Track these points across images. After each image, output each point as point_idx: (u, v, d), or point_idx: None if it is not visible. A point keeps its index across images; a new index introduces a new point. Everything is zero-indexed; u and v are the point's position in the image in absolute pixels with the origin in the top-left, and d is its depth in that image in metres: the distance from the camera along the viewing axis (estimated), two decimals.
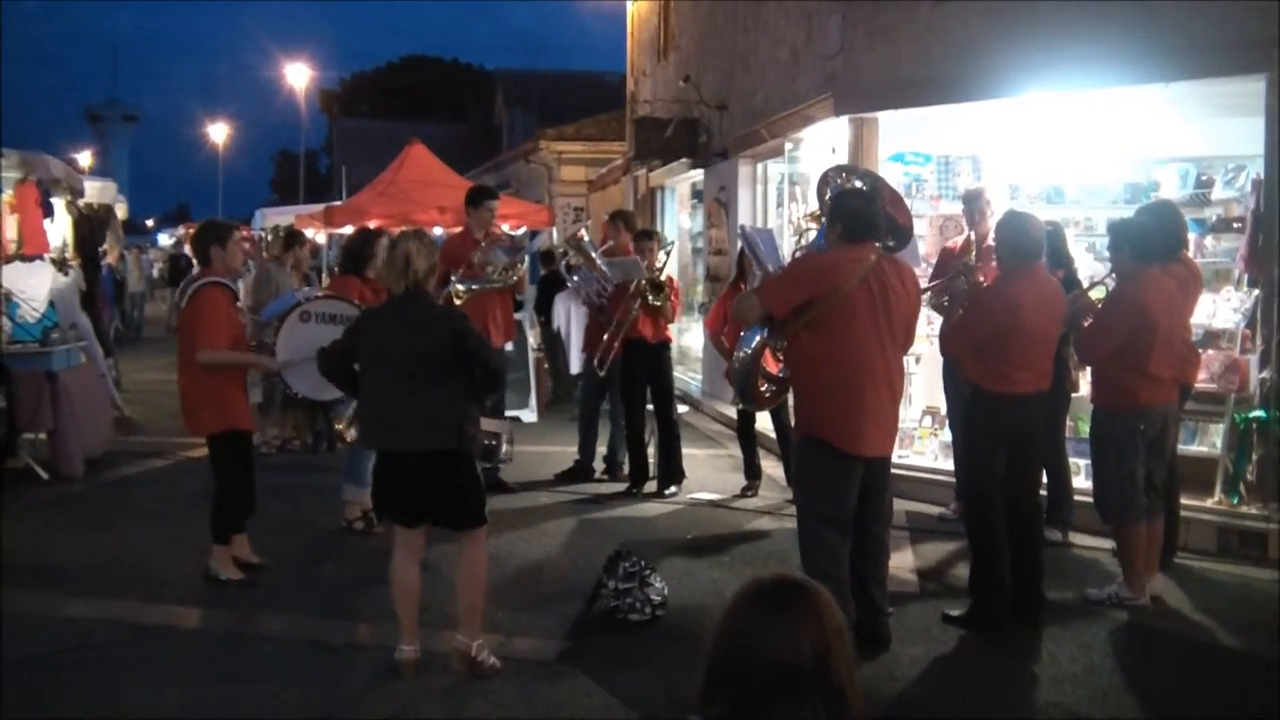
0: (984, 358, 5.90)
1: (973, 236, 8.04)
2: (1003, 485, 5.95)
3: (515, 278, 8.84)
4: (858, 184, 5.79)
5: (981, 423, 6.00)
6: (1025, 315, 5.82)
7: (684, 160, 15.48)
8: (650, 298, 8.82)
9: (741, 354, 5.54)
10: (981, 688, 5.32)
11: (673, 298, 9.02)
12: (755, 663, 2.11)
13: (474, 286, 8.55)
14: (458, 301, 8.24)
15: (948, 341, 6.18)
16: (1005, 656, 5.68)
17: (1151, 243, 6.27)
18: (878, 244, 5.15)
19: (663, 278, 8.95)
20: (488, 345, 5.16)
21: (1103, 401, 6.36)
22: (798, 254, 5.81)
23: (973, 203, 8.07)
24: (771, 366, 5.87)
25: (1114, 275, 6.52)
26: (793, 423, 5.94)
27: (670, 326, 9.20)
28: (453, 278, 8.37)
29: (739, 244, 9.81)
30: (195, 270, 7.01)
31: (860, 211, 5.16)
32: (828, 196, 5.81)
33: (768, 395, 5.75)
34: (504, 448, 5.55)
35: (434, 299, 5.38)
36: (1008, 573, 5.94)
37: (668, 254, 9.27)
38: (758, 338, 5.40)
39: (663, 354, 9.14)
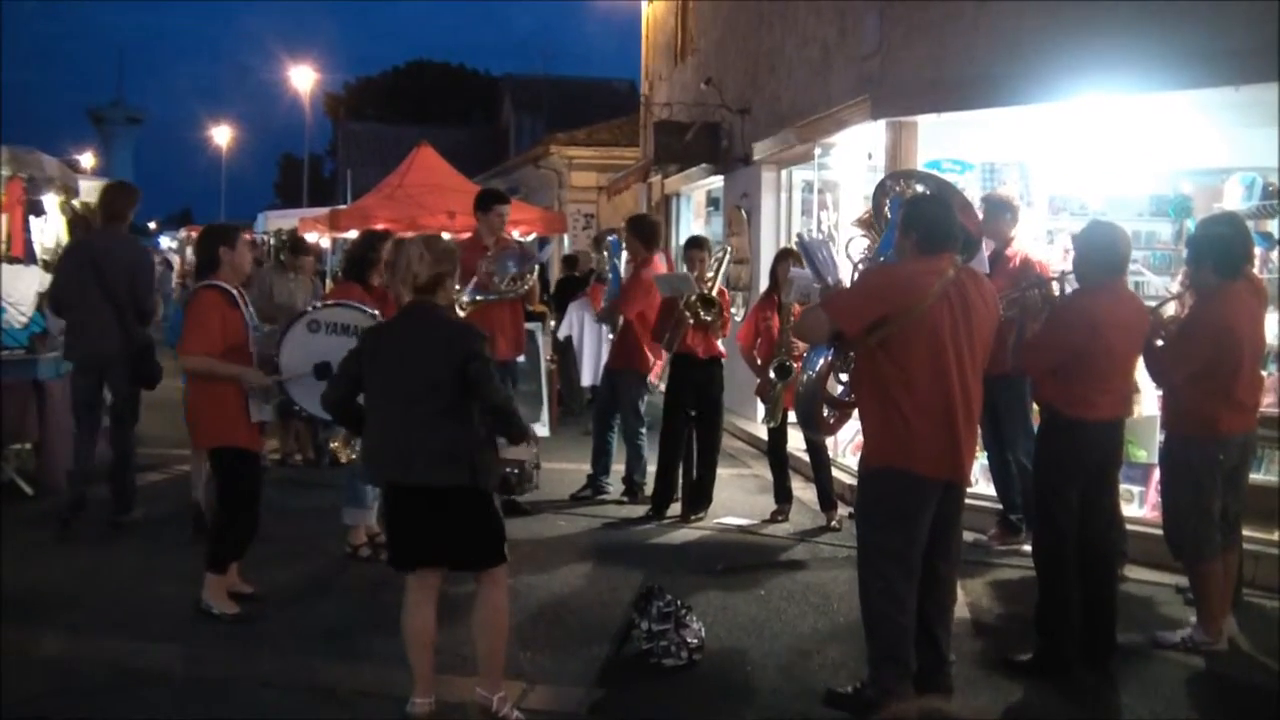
0: (1062, 379, 5.38)
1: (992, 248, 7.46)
2: (1077, 518, 5.44)
3: (525, 288, 8.32)
4: (920, 189, 5.28)
5: (1057, 450, 5.47)
6: (1107, 335, 5.30)
7: (704, 166, 15.00)
8: (701, 313, 8.19)
9: (805, 377, 5.01)
10: None
11: (724, 311, 8.36)
12: None
13: (479, 298, 8.03)
14: (462, 313, 7.67)
15: (1022, 360, 5.66)
16: (1084, 711, 5.16)
17: (1234, 257, 5.73)
18: (955, 255, 4.63)
19: (714, 290, 8.26)
20: (495, 382, 4.56)
21: (1179, 429, 5.81)
22: (860, 266, 5.29)
23: (997, 209, 7.49)
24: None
25: (1192, 291, 5.99)
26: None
27: (720, 342, 8.47)
28: (457, 287, 7.83)
29: (773, 255, 9.29)
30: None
31: (938, 220, 4.65)
32: (886, 207, 5.32)
33: (832, 421, 5.22)
34: (529, 478, 4.98)
35: (447, 312, 4.82)
36: (1078, 613, 5.43)
37: (720, 263, 8.61)
38: (822, 359, 4.87)
39: (713, 371, 8.47)
